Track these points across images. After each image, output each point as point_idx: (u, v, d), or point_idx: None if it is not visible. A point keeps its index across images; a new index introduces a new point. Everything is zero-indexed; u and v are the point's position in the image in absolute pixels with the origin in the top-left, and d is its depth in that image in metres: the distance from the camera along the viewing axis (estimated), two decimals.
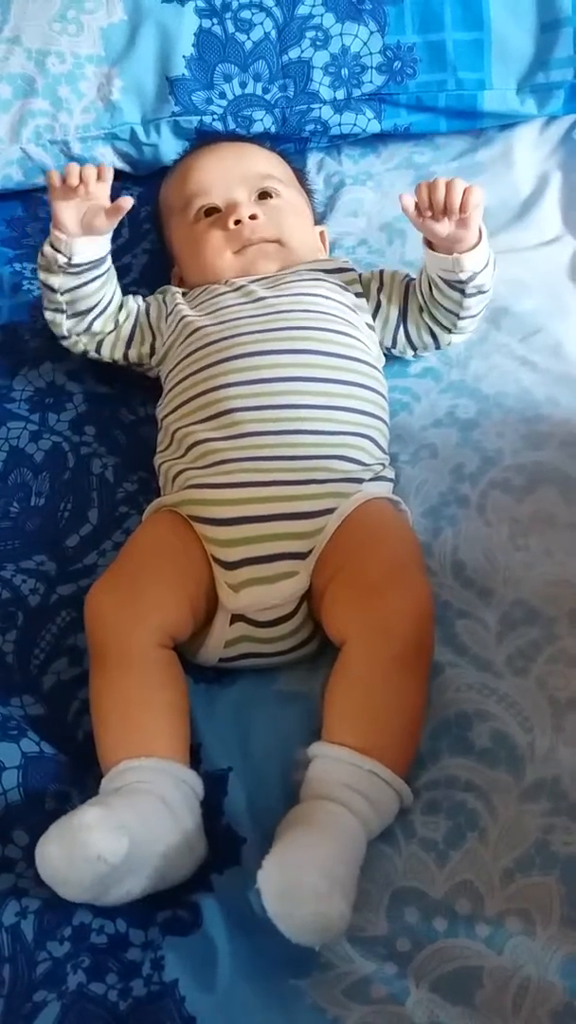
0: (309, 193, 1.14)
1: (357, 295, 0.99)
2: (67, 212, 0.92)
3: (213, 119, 1.19)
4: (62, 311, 0.98)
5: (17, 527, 0.94)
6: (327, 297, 0.97)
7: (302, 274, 1.00)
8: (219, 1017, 0.66)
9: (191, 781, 0.74)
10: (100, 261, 0.96)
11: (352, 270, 1.03)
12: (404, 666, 0.75)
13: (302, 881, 0.63)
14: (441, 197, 0.88)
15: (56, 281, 0.95)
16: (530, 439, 0.95)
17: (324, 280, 0.99)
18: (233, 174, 1.06)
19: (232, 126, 1.19)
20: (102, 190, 0.92)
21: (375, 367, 0.96)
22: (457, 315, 0.96)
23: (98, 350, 1.01)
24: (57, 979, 0.67)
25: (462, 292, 0.94)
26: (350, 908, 0.65)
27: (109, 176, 0.93)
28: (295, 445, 0.86)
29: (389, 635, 0.75)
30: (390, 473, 0.92)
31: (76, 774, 0.78)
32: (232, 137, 1.17)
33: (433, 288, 0.95)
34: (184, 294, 1.03)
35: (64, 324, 0.99)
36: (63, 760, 0.78)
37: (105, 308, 0.99)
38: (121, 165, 1.22)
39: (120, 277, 1.02)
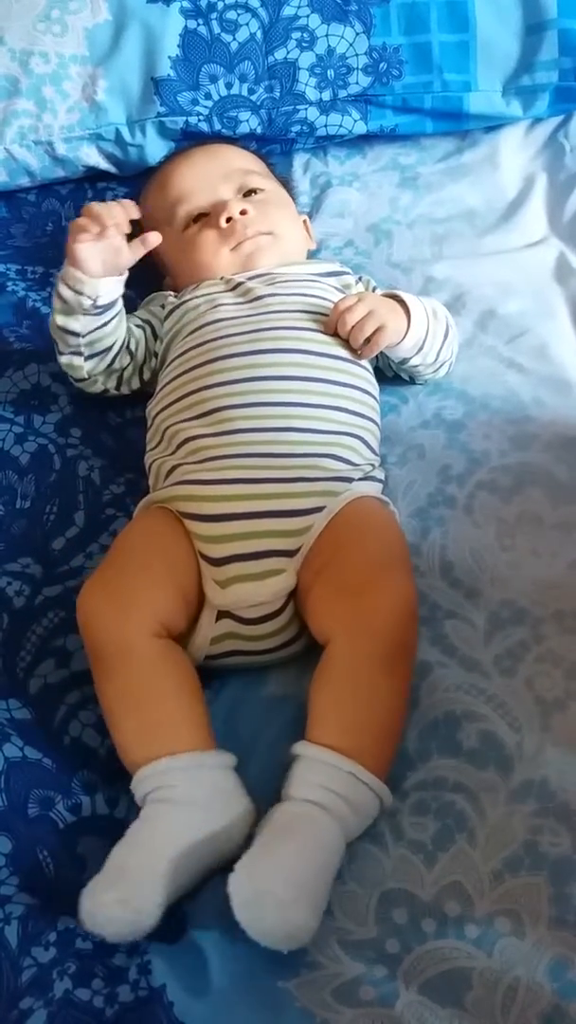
0: (287, 186, 1.14)
1: None
2: (89, 253, 0.89)
3: (199, 120, 1.18)
4: (80, 354, 0.95)
5: (2, 529, 0.93)
6: (322, 298, 0.97)
7: (298, 275, 1.00)
8: (209, 1022, 0.65)
9: (213, 763, 0.74)
10: (119, 297, 0.94)
11: (348, 273, 1.03)
12: (385, 666, 0.75)
13: (267, 890, 0.65)
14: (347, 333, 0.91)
15: (78, 325, 0.92)
16: (516, 440, 0.95)
17: (319, 281, 0.99)
18: (213, 174, 1.05)
19: (218, 127, 1.19)
20: (125, 226, 0.90)
21: (366, 368, 0.96)
22: (415, 377, 1.00)
23: (118, 387, 1.00)
24: (43, 986, 0.67)
25: (411, 366, 0.98)
26: (317, 916, 0.66)
27: (134, 212, 0.91)
28: (285, 443, 0.86)
29: (370, 634, 0.75)
30: (380, 474, 0.91)
31: (60, 779, 0.77)
32: (202, 141, 1.16)
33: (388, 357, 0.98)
34: (176, 294, 1.02)
35: (84, 367, 0.96)
36: (47, 765, 0.78)
37: (123, 343, 0.97)
38: (106, 166, 1.22)
39: None
